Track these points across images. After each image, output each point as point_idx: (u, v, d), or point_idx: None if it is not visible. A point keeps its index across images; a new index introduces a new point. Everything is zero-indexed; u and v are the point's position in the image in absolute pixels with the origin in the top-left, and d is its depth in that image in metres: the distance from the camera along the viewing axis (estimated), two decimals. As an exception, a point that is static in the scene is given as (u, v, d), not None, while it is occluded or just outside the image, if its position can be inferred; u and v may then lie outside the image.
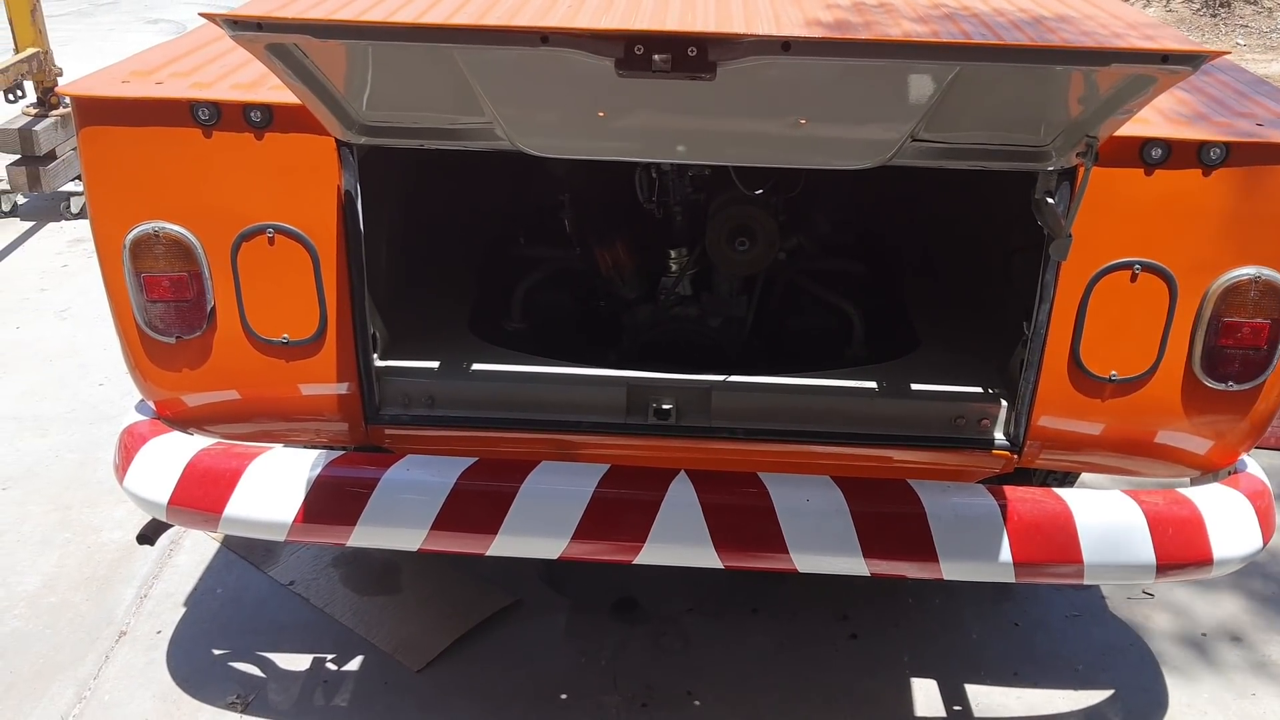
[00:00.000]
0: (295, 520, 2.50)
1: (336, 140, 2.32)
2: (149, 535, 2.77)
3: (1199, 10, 12.50)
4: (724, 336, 3.21)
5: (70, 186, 6.50)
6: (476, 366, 2.72)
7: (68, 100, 6.31)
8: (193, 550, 3.59)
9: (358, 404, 2.58)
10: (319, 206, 2.40)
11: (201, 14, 1.82)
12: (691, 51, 1.80)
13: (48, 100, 6.42)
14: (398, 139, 2.31)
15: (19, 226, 6.34)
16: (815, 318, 3.29)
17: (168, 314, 2.47)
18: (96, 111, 2.36)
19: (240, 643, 3.23)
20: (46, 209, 6.50)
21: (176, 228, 2.40)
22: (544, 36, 1.81)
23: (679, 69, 1.81)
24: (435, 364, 2.70)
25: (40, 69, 6.36)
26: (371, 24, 1.90)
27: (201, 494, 2.51)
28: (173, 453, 2.56)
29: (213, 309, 2.47)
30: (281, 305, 2.48)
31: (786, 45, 1.78)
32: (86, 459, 4.09)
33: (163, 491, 2.52)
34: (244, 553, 3.57)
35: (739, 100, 2.02)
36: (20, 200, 6.52)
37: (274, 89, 2.32)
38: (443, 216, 3.29)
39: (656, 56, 1.80)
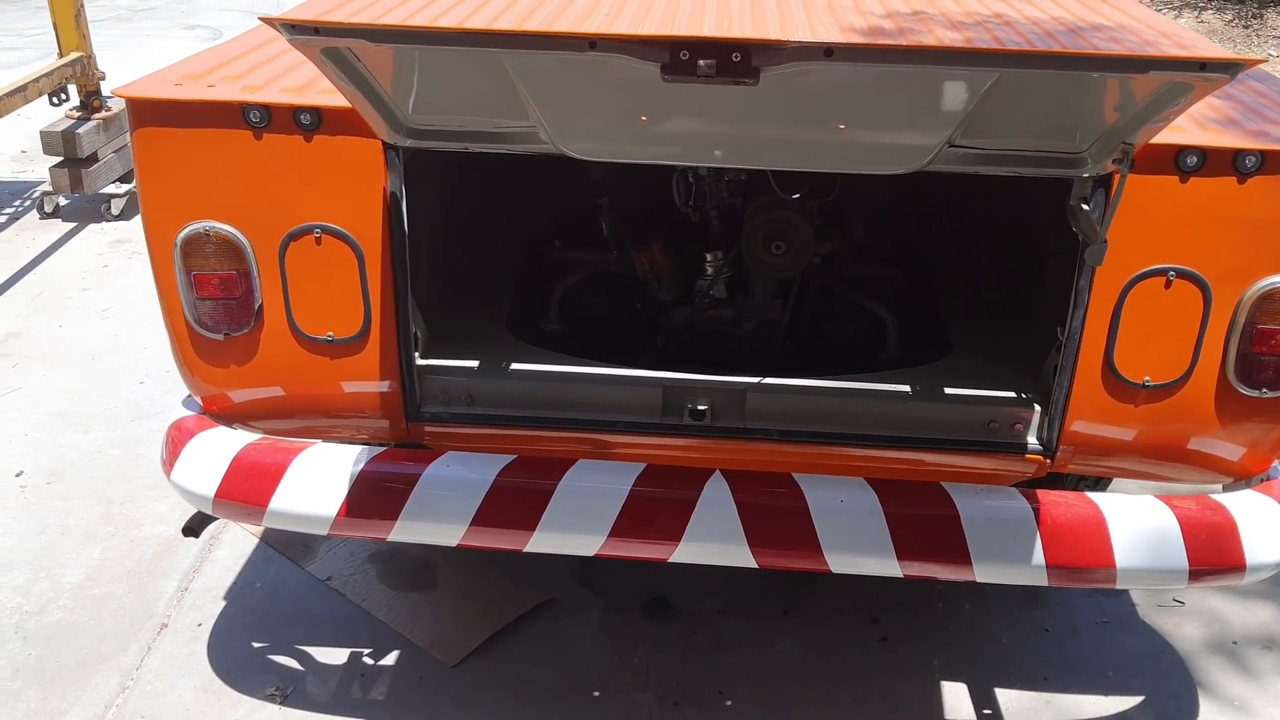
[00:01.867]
0: (338, 515, 2.55)
1: (383, 143, 2.37)
2: (194, 528, 2.83)
3: (1231, 21, 12.40)
4: (759, 339, 3.25)
5: (111, 189, 6.59)
6: (515, 366, 2.76)
7: (110, 104, 6.52)
8: (232, 545, 3.65)
9: (399, 401, 2.63)
10: (365, 208, 2.45)
11: (260, 18, 1.87)
12: (736, 57, 1.84)
13: (90, 104, 6.52)
14: (443, 142, 2.35)
15: (61, 227, 6.44)
16: (849, 321, 3.32)
17: (216, 311, 2.53)
18: (150, 113, 2.43)
19: (279, 636, 3.28)
20: (88, 210, 6.60)
21: (227, 227, 2.46)
22: (592, 42, 1.85)
23: (723, 74, 1.85)
24: (475, 363, 2.75)
25: (83, 73, 6.46)
26: (424, 29, 1.94)
27: (248, 487, 2.57)
28: (219, 447, 2.61)
29: (260, 307, 2.53)
30: (327, 304, 2.53)
31: (829, 51, 1.82)
32: (128, 455, 4.16)
33: (209, 484, 2.58)
34: (282, 548, 3.63)
35: (779, 105, 2.06)
36: (62, 202, 6.62)
37: (323, 92, 2.37)
38: (483, 219, 3.34)
39: (701, 62, 1.84)
